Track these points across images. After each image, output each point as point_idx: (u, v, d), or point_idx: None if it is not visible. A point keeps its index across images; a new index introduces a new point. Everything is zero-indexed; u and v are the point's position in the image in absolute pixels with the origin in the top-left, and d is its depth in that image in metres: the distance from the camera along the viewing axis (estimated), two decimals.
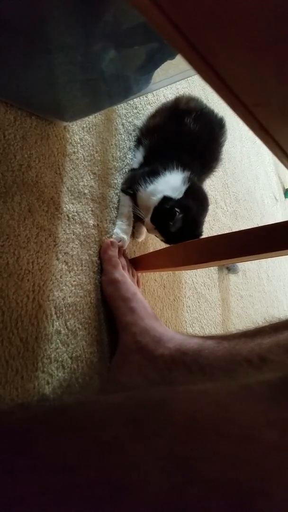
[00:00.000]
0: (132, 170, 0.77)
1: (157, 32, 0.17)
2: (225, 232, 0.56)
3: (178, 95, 0.83)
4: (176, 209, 0.62)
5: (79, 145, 0.65)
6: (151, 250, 0.81)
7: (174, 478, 0.16)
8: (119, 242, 0.68)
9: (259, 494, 0.15)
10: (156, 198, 0.66)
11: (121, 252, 0.69)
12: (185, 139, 0.73)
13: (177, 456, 0.17)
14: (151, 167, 0.71)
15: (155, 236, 0.71)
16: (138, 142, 0.80)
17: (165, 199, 0.65)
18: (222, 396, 0.21)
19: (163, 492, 0.16)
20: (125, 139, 0.79)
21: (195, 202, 0.67)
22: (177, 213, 0.62)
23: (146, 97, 0.89)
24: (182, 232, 0.65)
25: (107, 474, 0.17)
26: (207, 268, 1.07)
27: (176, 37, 0.17)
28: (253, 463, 0.16)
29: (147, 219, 0.68)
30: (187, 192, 0.66)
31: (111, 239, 0.67)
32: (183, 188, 0.66)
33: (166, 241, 0.69)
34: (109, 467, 0.17)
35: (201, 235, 0.69)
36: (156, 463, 0.17)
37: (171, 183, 0.67)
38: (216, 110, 0.79)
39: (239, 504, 0.15)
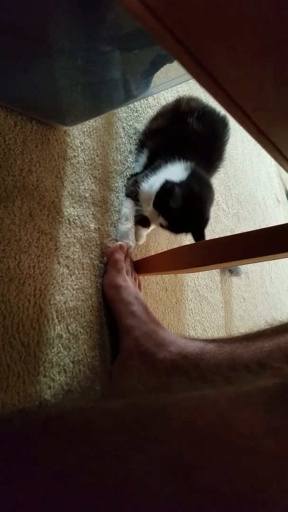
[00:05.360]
0: (135, 174, 0.77)
1: (152, 37, 0.17)
2: (227, 235, 0.56)
3: (178, 97, 0.83)
4: (175, 186, 0.61)
5: (79, 149, 0.65)
6: (153, 253, 0.81)
7: (173, 486, 0.16)
8: None
9: (258, 504, 0.15)
10: (157, 186, 0.65)
11: (128, 255, 0.69)
12: (189, 139, 0.72)
13: (175, 464, 0.17)
14: (153, 164, 0.71)
15: (160, 227, 0.69)
16: (141, 145, 0.80)
17: (167, 182, 0.64)
18: (221, 403, 0.21)
19: (162, 500, 0.16)
20: (126, 142, 0.79)
21: (198, 183, 0.65)
22: (176, 189, 0.60)
23: (146, 100, 0.89)
24: (186, 216, 0.63)
25: (105, 481, 0.17)
26: (209, 271, 1.06)
27: (171, 42, 0.16)
28: (252, 473, 0.16)
29: (150, 207, 0.66)
30: (189, 176, 0.65)
31: (120, 243, 0.67)
32: (186, 174, 0.65)
33: (171, 228, 0.67)
34: (107, 474, 0.17)
35: (208, 221, 0.68)
36: (154, 471, 0.17)
37: (173, 172, 0.66)
38: (218, 109, 0.79)
39: None
